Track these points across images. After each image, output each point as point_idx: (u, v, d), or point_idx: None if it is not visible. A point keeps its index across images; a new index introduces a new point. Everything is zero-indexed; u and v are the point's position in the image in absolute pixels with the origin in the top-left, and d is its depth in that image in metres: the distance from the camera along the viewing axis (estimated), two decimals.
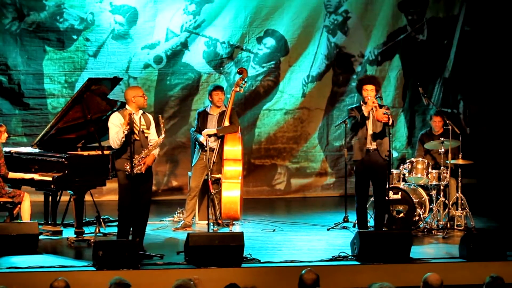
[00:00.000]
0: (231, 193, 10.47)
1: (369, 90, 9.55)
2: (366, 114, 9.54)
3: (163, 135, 8.89)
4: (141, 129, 8.88)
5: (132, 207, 8.83)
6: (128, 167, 8.71)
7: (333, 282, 8.11)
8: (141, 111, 8.94)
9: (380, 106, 9.60)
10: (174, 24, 13.34)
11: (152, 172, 9.07)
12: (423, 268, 8.00)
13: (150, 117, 9.10)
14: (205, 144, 10.26)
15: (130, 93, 8.92)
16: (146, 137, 8.94)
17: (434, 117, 11.18)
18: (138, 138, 8.82)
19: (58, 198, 10.22)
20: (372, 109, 9.49)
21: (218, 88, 10.67)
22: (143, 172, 8.81)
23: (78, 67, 13.17)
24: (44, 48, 13.07)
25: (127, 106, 8.91)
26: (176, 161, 13.52)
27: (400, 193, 10.41)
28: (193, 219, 10.69)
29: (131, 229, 8.93)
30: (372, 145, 9.63)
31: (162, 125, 8.86)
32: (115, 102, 10.08)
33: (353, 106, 9.88)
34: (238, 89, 10.76)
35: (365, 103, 9.57)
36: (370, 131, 9.63)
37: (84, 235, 9.71)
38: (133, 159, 8.70)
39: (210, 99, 10.64)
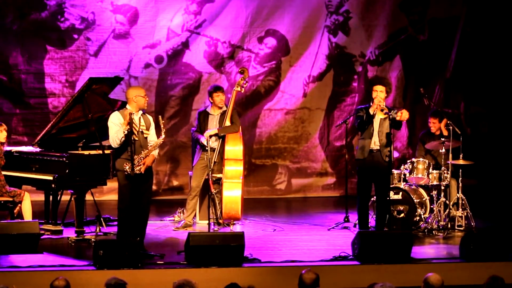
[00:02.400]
0: (232, 192, 10.46)
1: (378, 91, 9.58)
2: (371, 112, 9.53)
3: (163, 136, 8.88)
4: (140, 130, 8.87)
5: (132, 208, 8.83)
6: (127, 167, 8.70)
7: (334, 282, 8.11)
8: (141, 112, 8.94)
9: (389, 110, 9.60)
10: (175, 23, 13.33)
11: (152, 172, 9.07)
12: (424, 269, 8.01)
13: (150, 118, 9.09)
14: (206, 145, 10.27)
15: (132, 93, 8.92)
16: (146, 138, 8.94)
17: (430, 118, 11.18)
18: (137, 139, 8.82)
19: (58, 197, 10.22)
20: (377, 107, 9.47)
21: (219, 89, 10.65)
22: (142, 172, 8.80)
23: (79, 67, 13.16)
24: (45, 47, 13.06)
25: (127, 106, 8.91)
26: (177, 160, 13.52)
27: (400, 193, 10.42)
28: (193, 218, 10.69)
29: (131, 229, 8.90)
30: (375, 146, 9.64)
31: (162, 126, 8.86)
32: (116, 101, 10.08)
33: (362, 106, 9.87)
34: (239, 88, 10.75)
35: None
36: (376, 131, 9.62)
37: (84, 235, 9.72)
38: (133, 160, 8.69)
39: (211, 100, 10.63)
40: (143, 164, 8.80)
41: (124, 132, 8.67)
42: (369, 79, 9.42)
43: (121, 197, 8.92)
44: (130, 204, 8.82)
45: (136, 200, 8.83)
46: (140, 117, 8.89)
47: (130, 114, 8.74)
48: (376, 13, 13.82)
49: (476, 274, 8.26)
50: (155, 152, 9.01)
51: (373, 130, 9.64)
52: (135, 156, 8.73)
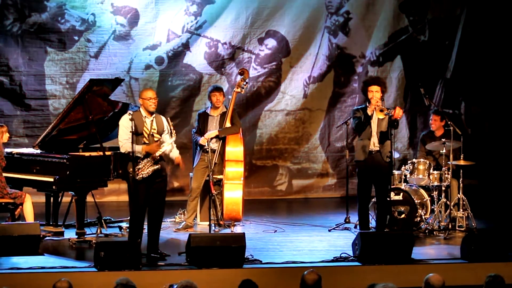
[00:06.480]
0: (233, 194, 10.46)
1: (374, 92, 9.52)
2: (369, 113, 9.51)
3: (174, 137, 8.81)
4: (151, 133, 8.78)
5: (140, 210, 8.78)
6: (131, 170, 8.63)
7: (335, 283, 8.10)
8: (154, 114, 8.86)
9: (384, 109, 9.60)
10: (176, 25, 13.34)
11: (163, 175, 8.93)
12: (425, 269, 8.01)
13: (165, 121, 8.88)
14: (205, 146, 10.27)
15: (140, 96, 8.85)
16: (157, 141, 8.77)
17: (433, 115, 11.18)
18: (147, 142, 8.75)
19: (59, 199, 10.23)
20: (375, 108, 9.46)
21: (216, 89, 10.68)
22: (151, 173, 8.72)
23: (79, 68, 13.16)
24: (45, 49, 13.07)
25: (140, 109, 8.84)
26: None
27: (401, 194, 10.41)
28: (194, 220, 10.69)
29: (139, 231, 8.85)
30: (375, 147, 9.61)
31: (171, 127, 8.82)
32: (117, 103, 10.08)
33: (359, 107, 9.84)
34: (239, 90, 10.76)
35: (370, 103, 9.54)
36: (374, 132, 9.60)
37: (85, 236, 9.71)
38: (136, 163, 8.63)
39: (210, 100, 10.67)
40: (154, 158, 8.70)
41: (140, 156, 8.62)
42: (363, 79, 9.33)
43: (130, 199, 8.85)
44: (139, 206, 8.76)
45: (144, 203, 8.77)
46: (152, 120, 8.79)
47: (133, 120, 8.61)
48: (376, 14, 13.82)
49: (477, 275, 8.25)
50: (175, 153, 8.93)
51: (371, 131, 9.62)
52: (143, 160, 8.66)
